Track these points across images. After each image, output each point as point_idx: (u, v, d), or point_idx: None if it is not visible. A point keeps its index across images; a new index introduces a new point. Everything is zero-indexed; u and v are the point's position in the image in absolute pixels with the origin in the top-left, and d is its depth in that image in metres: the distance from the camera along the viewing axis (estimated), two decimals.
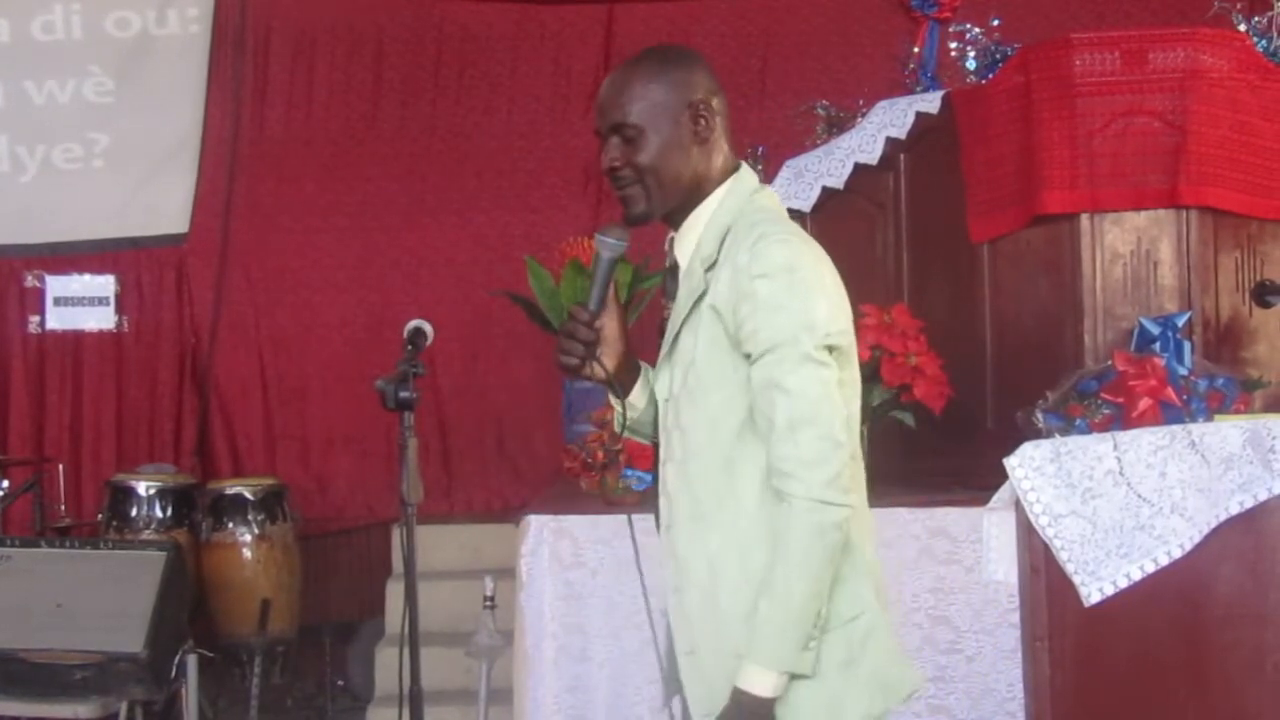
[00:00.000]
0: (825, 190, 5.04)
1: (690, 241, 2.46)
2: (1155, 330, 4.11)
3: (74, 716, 4.75)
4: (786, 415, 2.28)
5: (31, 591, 5.01)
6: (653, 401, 2.56)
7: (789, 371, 2.29)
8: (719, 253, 2.39)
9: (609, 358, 2.51)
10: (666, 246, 2.54)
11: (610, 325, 2.50)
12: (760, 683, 2.28)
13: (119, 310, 6.94)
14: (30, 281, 6.94)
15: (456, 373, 7.03)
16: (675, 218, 2.48)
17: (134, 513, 5.92)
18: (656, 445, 2.53)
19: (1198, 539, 2.61)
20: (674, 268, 2.51)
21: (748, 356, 2.33)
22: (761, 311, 2.30)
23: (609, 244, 2.47)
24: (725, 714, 2.31)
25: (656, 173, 2.41)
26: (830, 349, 2.33)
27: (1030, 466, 2.72)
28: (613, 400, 2.58)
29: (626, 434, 2.64)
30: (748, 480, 2.34)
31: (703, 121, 2.43)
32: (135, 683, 4.85)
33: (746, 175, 2.49)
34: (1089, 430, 3.56)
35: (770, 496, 2.31)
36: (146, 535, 5.82)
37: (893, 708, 2.40)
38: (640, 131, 2.40)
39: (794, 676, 2.29)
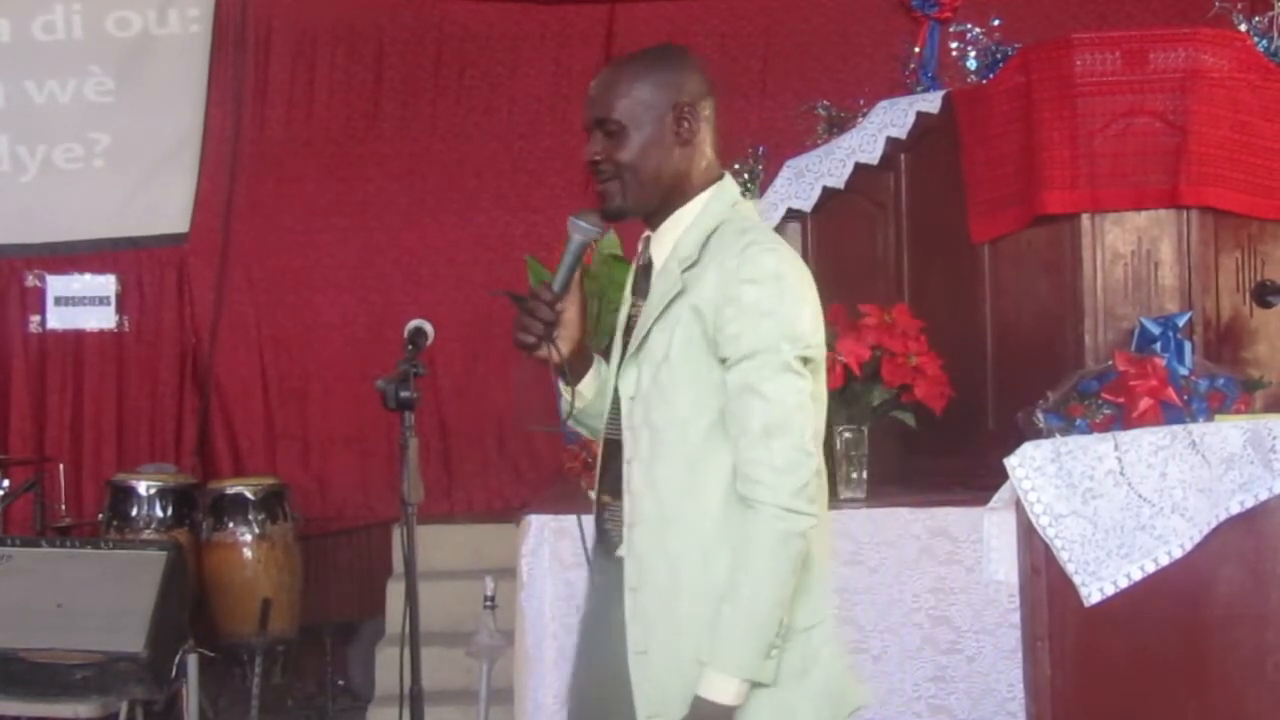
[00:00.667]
0: (826, 190, 5.04)
1: (668, 242, 2.47)
2: (1156, 330, 4.11)
3: (74, 716, 4.75)
4: (762, 421, 2.30)
5: (32, 591, 5.01)
6: (602, 394, 2.56)
7: (767, 378, 2.31)
8: (699, 254, 2.40)
9: (564, 342, 2.52)
10: (641, 245, 2.55)
11: (570, 310, 2.51)
12: (722, 690, 2.28)
13: (120, 310, 6.94)
14: (31, 281, 6.94)
15: (457, 373, 7.03)
16: (654, 218, 2.49)
17: (134, 512, 5.92)
18: (610, 441, 2.51)
19: (1198, 539, 2.61)
20: (646, 266, 2.51)
21: (724, 360, 2.34)
22: (746, 316, 2.32)
23: (581, 227, 2.49)
24: None
25: (635, 170, 2.43)
26: (806, 360, 2.36)
27: (1031, 466, 2.72)
28: (561, 386, 2.59)
29: (571, 423, 2.64)
30: (713, 483, 2.35)
31: (686, 124, 2.45)
32: (136, 682, 4.85)
33: (730, 185, 2.51)
34: (1090, 430, 3.56)
35: (735, 501, 2.32)
36: (147, 535, 5.82)
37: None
38: (622, 128, 2.43)
39: (752, 685, 2.30)
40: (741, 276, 2.33)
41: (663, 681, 2.35)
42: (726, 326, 2.33)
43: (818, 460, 2.35)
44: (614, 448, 2.48)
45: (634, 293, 2.54)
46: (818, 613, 2.39)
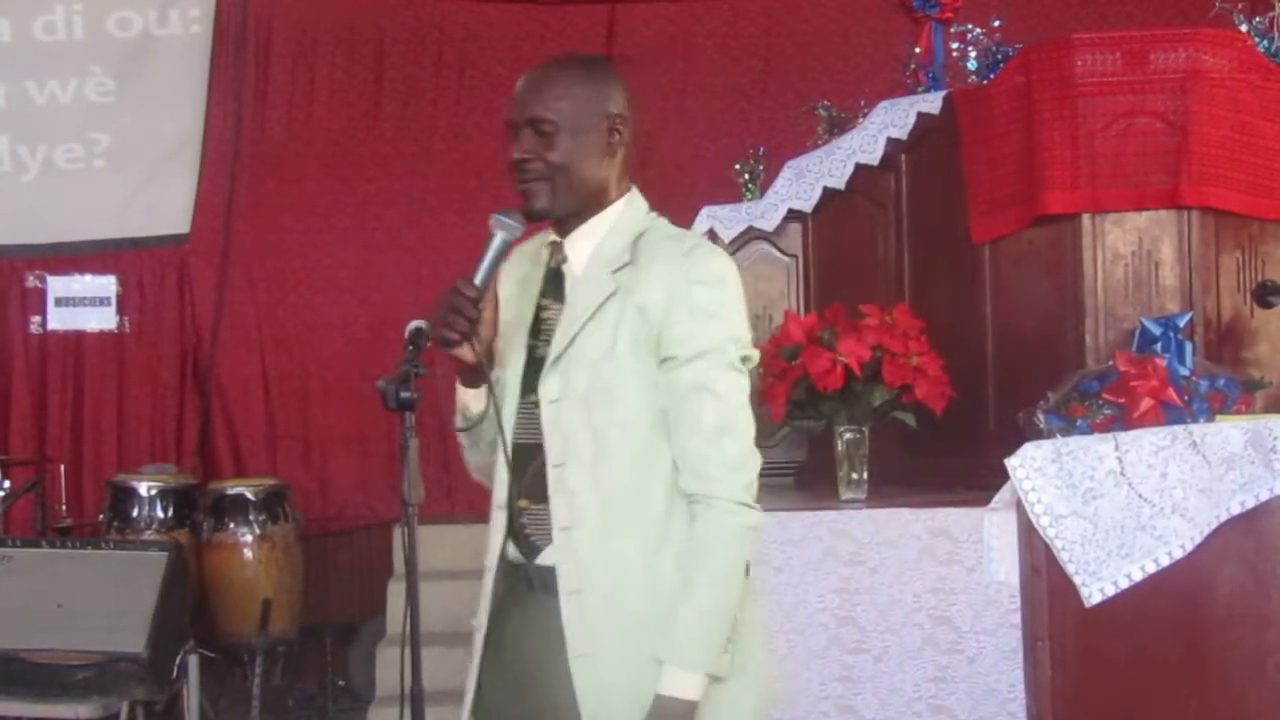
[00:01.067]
0: (826, 190, 5.05)
1: (585, 247, 2.47)
2: (1157, 330, 4.11)
3: (75, 717, 4.75)
4: (715, 420, 2.33)
5: (32, 591, 5.01)
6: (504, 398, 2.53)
7: (717, 377, 2.35)
8: (631, 255, 2.41)
9: (479, 343, 2.47)
10: (546, 252, 2.53)
11: (488, 310, 2.48)
12: (685, 686, 2.30)
13: (120, 310, 6.93)
14: (32, 282, 6.93)
15: None
16: (568, 222, 2.49)
17: (135, 513, 5.91)
18: (522, 445, 2.48)
19: (1199, 539, 2.61)
20: (558, 270, 2.50)
21: (668, 359, 2.35)
22: (696, 317, 2.35)
23: (506, 224, 2.47)
24: None
25: (567, 172, 2.44)
26: (745, 360, 2.40)
27: (1031, 467, 2.72)
28: (462, 389, 2.54)
29: (465, 425, 2.59)
30: (656, 482, 2.37)
31: (617, 135, 2.47)
32: (136, 683, 4.85)
33: (639, 196, 2.53)
34: (1090, 431, 3.56)
35: (678, 498, 2.35)
36: (148, 535, 5.81)
37: (768, 709, 2.48)
38: (556, 129, 2.43)
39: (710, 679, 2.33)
40: (692, 278, 2.36)
41: (610, 683, 2.35)
42: (675, 327, 2.35)
43: (760, 459, 2.39)
44: (527, 451, 2.47)
45: (543, 295, 2.52)
46: (746, 608, 2.42)
